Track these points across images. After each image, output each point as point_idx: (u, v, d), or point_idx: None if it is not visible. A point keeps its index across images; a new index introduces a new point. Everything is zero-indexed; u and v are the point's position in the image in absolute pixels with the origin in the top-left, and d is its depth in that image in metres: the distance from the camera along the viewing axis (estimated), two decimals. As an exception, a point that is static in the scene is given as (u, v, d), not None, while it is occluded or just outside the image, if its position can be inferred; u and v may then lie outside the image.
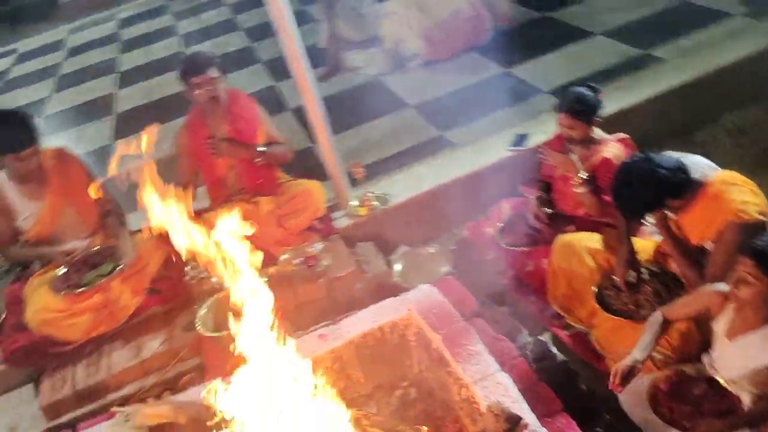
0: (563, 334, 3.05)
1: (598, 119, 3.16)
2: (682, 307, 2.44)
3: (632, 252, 2.85)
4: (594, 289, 2.86)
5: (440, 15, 5.66)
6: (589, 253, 3.02)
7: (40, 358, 3.43)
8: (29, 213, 3.49)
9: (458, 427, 2.63)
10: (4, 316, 3.69)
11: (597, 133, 3.22)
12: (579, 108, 3.11)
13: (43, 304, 3.35)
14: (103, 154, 5.92)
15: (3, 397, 3.53)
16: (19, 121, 3.31)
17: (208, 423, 2.36)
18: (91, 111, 7.13)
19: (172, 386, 3.25)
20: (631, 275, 2.83)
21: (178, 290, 3.58)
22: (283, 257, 3.58)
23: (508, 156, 4.06)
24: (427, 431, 2.44)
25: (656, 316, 2.46)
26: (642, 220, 3.22)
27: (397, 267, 3.72)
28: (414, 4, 5.66)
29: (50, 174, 3.49)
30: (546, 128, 3.94)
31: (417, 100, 5.32)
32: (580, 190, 3.14)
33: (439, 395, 2.83)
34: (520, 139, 4.13)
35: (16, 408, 3.44)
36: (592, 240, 3.08)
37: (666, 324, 2.45)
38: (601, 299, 2.83)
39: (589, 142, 3.20)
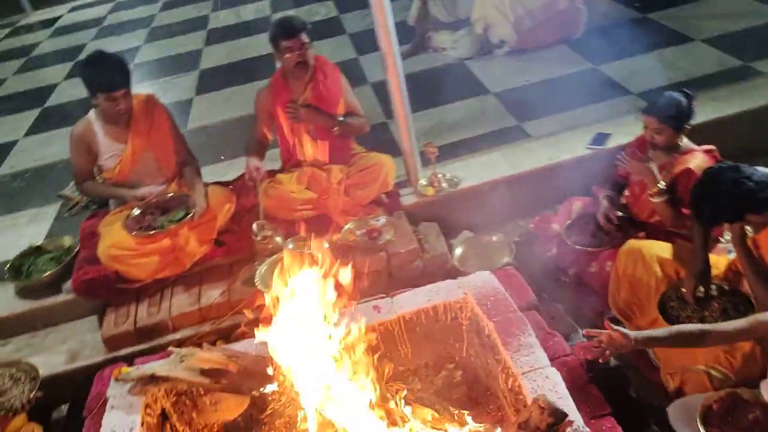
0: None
1: (687, 127, 3.04)
2: (734, 332, 2.30)
3: (706, 265, 2.75)
4: (659, 298, 2.78)
5: (535, 4, 5.54)
6: (658, 261, 2.92)
7: (106, 292, 3.59)
8: (111, 154, 3.64)
9: (500, 415, 2.62)
10: (77, 249, 3.88)
11: (684, 141, 3.10)
12: (670, 112, 3.00)
13: (115, 241, 3.50)
14: (185, 106, 6.12)
15: (69, 325, 3.72)
16: (116, 63, 3.45)
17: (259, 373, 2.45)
18: (177, 64, 7.37)
19: (226, 336, 3.34)
20: (700, 290, 2.73)
21: (242, 245, 3.67)
22: (346, 227, 3.62)
23: (585, 154, 3.97)
24: (468, 415, 2.43)
25: (699, 327, 2.34)
26: (719, 236, 3.11)
27: (458, 251, 3.70)
28: (510, -10, 5.56)
29: (137, 119, 3.62)
30: (629, 130, 3.82)
31: (499, 87, 5.24)
32: (657, 200, 3.04)
33: (484, 381, 2.83)
34: (601, 138, 4.02)
35: (80, 336, 3.63)
36: (662, 249, 2.98)
37: (700, 342, 2.32)
38: (664, 310, 2.74)
39: (673, 149, 3.09)
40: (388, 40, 3.57)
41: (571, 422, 2.09)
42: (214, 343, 3.26)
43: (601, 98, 4.68)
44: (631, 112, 4.28)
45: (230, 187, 3.94)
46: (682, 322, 2.67)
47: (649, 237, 3.14)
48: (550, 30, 5.64)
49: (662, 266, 2.91)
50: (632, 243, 3.05)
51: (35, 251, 4.03)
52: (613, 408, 2.34)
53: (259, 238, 3.54)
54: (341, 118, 3.66)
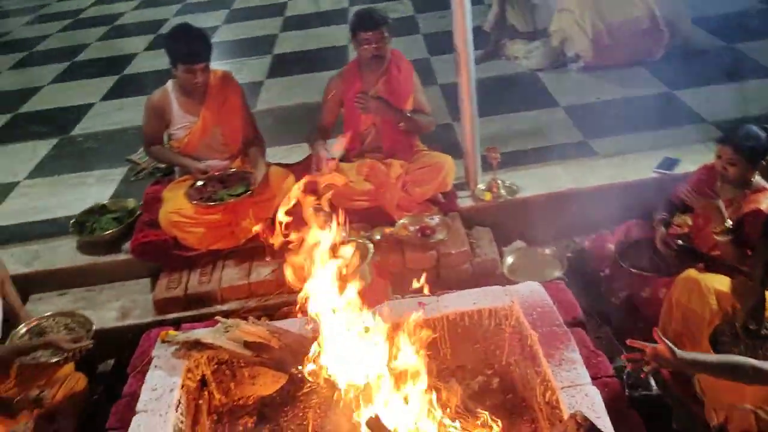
0: (667, 370, 2.90)
1: (763, 163, 2.94)
2: None
3: (761, 302, 2.65)
4: (711, 331, 2.70)
5: (615, 20, 5.44)
6: (715, 294, 2.83)
7: (162, 256, 3.71)
8: (182, 125, 3.75)
9: (534, 427, 2.60)
10: (140, 212, 4.02)
11: (756, 178, 2.99)
12: (748, 145, 2.90)
13: (176, 208, 3.61)
14: (255, 88, 6.24)
15: (124, 284, 3.85)
16: (199, 37, 3.56)
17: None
18: (252, 47, 7.52)
19: (271, 313, 3.40)
20: (753, 325, 2.64)
21: (296, 227, 3.72)
22: (400, 221, 3.64)
23: (651, 177, 3.88)
24: (501, 428, 2.41)
25: (751, 362, 2.24)
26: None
27: (509, 259, 3.68)
28: (592, 4, 5.46)
29: (212, 93, 3.72)
30: (699, 158, 3.70)
31: (569, 101, 5.18)
32: (722, 238, 2.94)
33: (520, 392, 2.80)
34: (669, 163, 3.93)
35: (132, 295, 3.76)
36: (721, 282, 2.89)
37: (747, 377, 2.23)
38: (716, 343, 2.67)
39: (744, 185, 2.99)
40: (464, 42, 3.58)
41: (607, 442, 2.06)
42: (258, 319, 3.33)
43: (673, 123, 4.57)
44: (703, 140, 4.17)
45: (291, 169, 4.01)
46: (735, 357, 2.59)
47: (708, 269, 3.05)
48: (628, 49, 5.53)
49: (719, 300, 2.82)
50: (691, 273, 2.96)
51: (100, 210, 4.18)
52: (651, 435, 2.30)
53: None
54: (409, 114, 3.68)
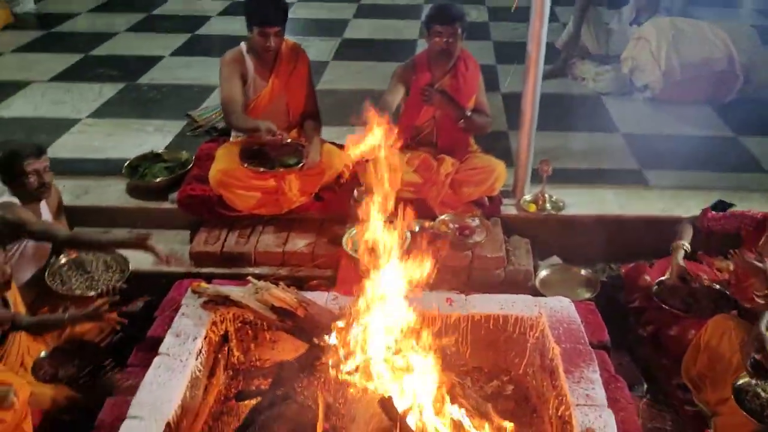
0: (684, 407, 2.87)
1: None
2: None
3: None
4: (736, 380, 2.65)
5: (691, 57, 5.35)
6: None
7: (206, 212, 3.80)
8: (252, 89, 3.82)
9: (542, 439, 2.60)
10: (191, 165, 4.12)
11: None
12: None
13: (227, 168, 3.69)
14: (319, 67, 6.30)
15: (165, 232, 3.93)
16: (276, 2, 3.61)
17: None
18: (323, 28, 7.60)
19: (300, 285, 3.44)
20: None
21: (339, 206, 3.78)
22: (442, 217, 3.65)
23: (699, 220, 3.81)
24: (512, 428, 2.42)
25: None
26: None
27: (543, 273, 3.66)
28: (671, 37, 5.38)
29: (282, 61, 3.79)
30: (752, 206, 3.63)
31: (629, 129, 5.13)
32: (763, 301, 2.88)
33: (533, 403, 2.80)
34: (722, 205, 3.84)
35: (171, 244, 3.84)
36: (754, 332, 2.84)
37: None
38: (738, 392, 2.62)
39: None
40: (537, 54, 3.60)
41: (613, 463, 2.05)
42: (288, 287, 3.39)
43: (732, 168, 4.51)
44: (760, 190, 4.08)
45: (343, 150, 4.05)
46: (753, 410, 2.54)
47: (741, 317, 3.00)
48: (699, 88, 5.43)
49: (748, 349, 2.78)
50: (725, 317, 2.92)
51: (153, 158, 4.31)
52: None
53: (356, 203, 3.63)
54: (469, 113, 3.69)
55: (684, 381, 2.94)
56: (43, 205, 3.25)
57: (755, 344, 2.60)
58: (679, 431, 2.76)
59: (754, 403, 2.57)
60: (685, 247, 3.26)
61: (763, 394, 2.60)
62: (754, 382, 2.65)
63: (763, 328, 2.64)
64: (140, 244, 3.07)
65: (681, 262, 3.23)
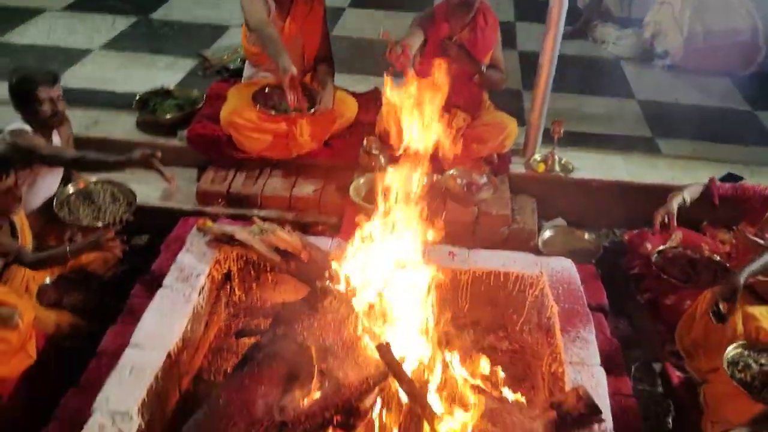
0: (675, 373, 2.91)
1: None
2: None
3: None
4: (728, 351, 2.68)
5: (714, 25, 5.25)
6: (743, 315, 2.82)
7: (215, 151, 3.80)
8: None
9: (532, 394, 2.64)
10: (202, 104, 4.10)
11: None
12: None
13: (239, 109, 3.67)
14: (336, 13, 6.20)
15: (172, 169, 3.83)
16: None
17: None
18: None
19: (306, 230, 3.47)
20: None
21: (348, 154, 3.77)
22: (450, 171, 3.63)
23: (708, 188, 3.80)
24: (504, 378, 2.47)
25: None
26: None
27: (546, 234, 3.67)
28: (695, 3, 5.27)
29: (298, 3, 3.72)
30: (763, 181, 3.62)
31: (645, 96, 5.07)
32: (764, 279, 2.89)
33: (527, 359, 2.85)
34: (732, 178, 3.83)
35: (178, 181, 3.73)
36: (752, 306, 2.87)
37: None
38: (730, 363, 2.66)
39: None
40: (558, 13, 3.53)
41: (602, 420, 2.09)
42: (292, 231, 3.41)
43: (746, 142, 4.47)
44: (772, 166, 4.06)
45: (356, 98, 4.03)
46: (743, 381, 2.58)
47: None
48: (720, 58, 5.34)
49: (746, 323, 2.80)
50: (722, 289, 2.94)
51: (164, 94, 4.28)
52: (644, 429, 2.33)
53: (366, 152, 3.62)
54: (485, 68, 3.64)
55: (677, 348, 2.98)
56: (54, 134, 3.24)
57: (727, 290, 2.65)
58: (669, 396, 2.80)
59: (745, 374, 2.61)
60: (684, 196, 3.21)
61: (753, 365, 2.63)
62: (746, 353, 2.68)
63: (742, 278, 2.66)
64: (146, 161, 3.03)
65: (673, 207, 3.17)
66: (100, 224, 3.19)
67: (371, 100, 4.11)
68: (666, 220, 3.14)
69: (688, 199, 3.22)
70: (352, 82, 4.71)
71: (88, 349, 2.53)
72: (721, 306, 2.67)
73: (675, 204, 3.19)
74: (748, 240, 3.02)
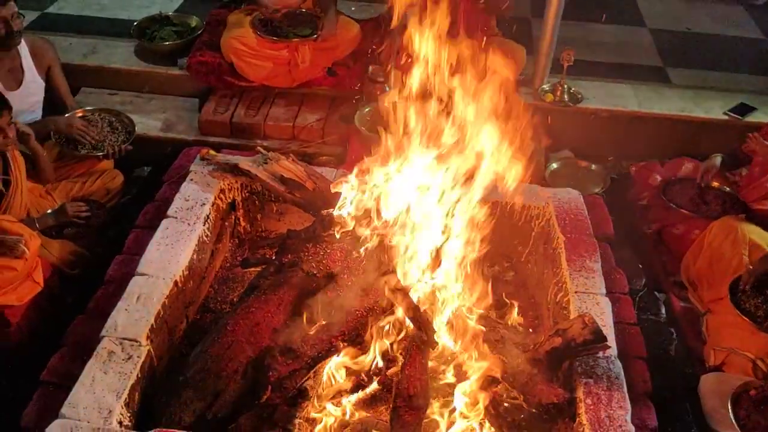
0: (678, 303, 2.93)
1: None
2: None
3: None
4: (733, 279, 2.69)
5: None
6: (749, 245, 2.81)
7: (216, 79, 3.72)
8: None
9: (536, 323, 2.66)
10: (201, 30, 3.99)
11: None
12: None
13: (240, 35, 3.58)
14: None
15: (173, 98, 3.90)
16: None
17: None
18: None
19: (309, 161, 3.43)
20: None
21: (352, 83, 3.69)
22: (455, 100, 3.56)
23: (720, 118, 3.74)
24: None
25: None
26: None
27: (553, 165, 3.63)
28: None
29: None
30: (776, 112, 3.57)
31: (657, 25, 4.93)
32: None
33: (531, 290, 2.85)
34: (743, 109, 3.77)
35: (178, 111, 3.80)
36: (758, 235, 2.86)
37: None
38: (734, 291, 2.67)
39: None
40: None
41: (607, 347, 2.11)
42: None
43: (759, 71, 4.36)
44: (787, 97, 3.98)
45: (360, 25, 3.91)
46: (746, 310, 2.59)
47: (749, 220, 3.00)
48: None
49: (750, 251, 2.80)
50: (732, 218, 2.93)
51: (162, 20, 4.16)
52: (649, 359, 2.35)
53: (371, 80, 3.54)
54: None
55: (681, 279, 2.99)
56: (26, 57, 3.14)
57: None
58: (671, 323, 2.82)
59: (749, 304, 2.62)
60: (722, 155, 3.22)
61: (758, 297, 2.64)
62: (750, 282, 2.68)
63: None
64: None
65: (717, 162, 3.20)
66: (100, 154, 3.16)
67: (375, 28, 3.99)
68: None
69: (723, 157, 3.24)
70: (354, 10, 4.58)
71: (93, 278, 2.53)
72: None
73: (718, 161, 3.21)
74: (766, 147, 2.98)
